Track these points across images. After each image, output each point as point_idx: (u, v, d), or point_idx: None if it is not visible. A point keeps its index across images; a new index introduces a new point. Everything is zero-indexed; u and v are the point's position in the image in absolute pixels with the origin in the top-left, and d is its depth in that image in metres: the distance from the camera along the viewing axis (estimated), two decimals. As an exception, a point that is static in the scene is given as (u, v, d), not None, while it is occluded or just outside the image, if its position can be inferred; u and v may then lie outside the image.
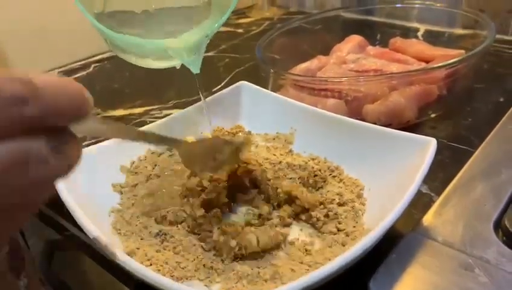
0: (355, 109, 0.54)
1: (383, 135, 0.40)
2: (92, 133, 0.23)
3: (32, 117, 0.18)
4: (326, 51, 0.71)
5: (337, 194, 0.39)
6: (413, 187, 0.32)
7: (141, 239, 0.35)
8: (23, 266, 0.42)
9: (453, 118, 0.55)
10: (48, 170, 0.20)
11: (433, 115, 0.55)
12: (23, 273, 0.40)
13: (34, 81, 0.18)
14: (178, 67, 0.41)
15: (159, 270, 0.32)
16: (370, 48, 0.71)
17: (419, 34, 0.82)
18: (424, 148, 0.36)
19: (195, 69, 0.39)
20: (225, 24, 0.65)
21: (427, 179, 0.38)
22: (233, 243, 0.33)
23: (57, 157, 0.20)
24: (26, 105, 0.18)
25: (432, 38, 0.76)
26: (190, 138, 0.37)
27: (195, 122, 0.47)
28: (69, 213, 0.44)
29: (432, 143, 0.36)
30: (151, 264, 0.32)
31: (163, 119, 0.46)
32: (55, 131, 0.20)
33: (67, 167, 0.21)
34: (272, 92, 0.50)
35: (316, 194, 0.40)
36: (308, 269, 0.32)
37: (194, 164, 0.35)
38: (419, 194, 0.42)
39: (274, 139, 0.47)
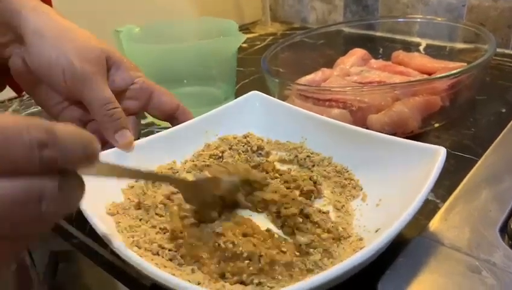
0: (359, 119, 0.54)
1: (392, 144, 0.41)
2: (98, 176, 0.26)
3: (50, 159, 0.21)
4: (329, 65, 0.72)
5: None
6: (423, 193, 0.32)
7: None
8: (31, 285, 0.43)
9: (456, 128, 0.56)
10: (57, 208, 0.22)
11: (436, 125, 0.56)
12: None
13: (54, 129, 0.22)
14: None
15: (173, 274, 0.32)
16: (373, 61, 0.72)
17: (421, 48, 0.83)
18: (434, 157, 0.36)
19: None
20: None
21: (432, 187, 0.38)
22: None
23: (66, 196, 0.23)
24: (46, 148, 0.21)
25: (434, 52, 0.77)
26: (190, 175, 0.39)
27: (204, 131, 0.48)
28: (78, 220, 0.45)
29: (441, 152, 0.36)
30: (165, 267, 0.32)
31: (172, 129, 0.46)
32: (67, 173, 0.23)
33: (73, 205, 0.24)
34: (283, 102, 0.51)
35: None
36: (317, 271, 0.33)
37: (193, 200, 0.38)
38: (425, 201, 0.42)
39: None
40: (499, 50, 0.80)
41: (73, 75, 0.41)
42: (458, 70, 0.53)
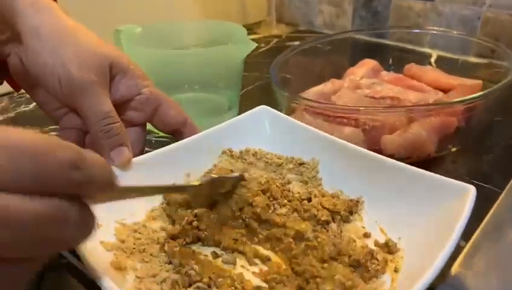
0: (372, 138, 0.51)
1: (414, 176, 0.37)
2: (110, 201, 0.26)
3: (79, 181, 0.21)
4: (338, 72, 0.69)
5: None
6: (453, 239, 0.29)
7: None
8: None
9: (474, 152, 0.53)
10: (77, 233, 0.22)
11: (453, 149, 0.52)
12: None
13: (82, 152, 0.22)
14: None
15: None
16: (384, 73, 0.69)
17: (432, 59, 0.80)
18: (462, 197, 0.33)
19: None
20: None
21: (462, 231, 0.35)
22: None
23: (85, 223, 0.23)
24: (76, 170, 0.21)
25: (445, 65, 0.74)
26: (196, 181, 0.37)
27: (209, 147, 0.44)
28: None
29: (471, 192, 0.33)
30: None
31: (174, 145, 0.43)
32: (82, 202, 0.23)
33: (87, 233, 0.23)
34: (294, 120, 0.47)
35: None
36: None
37: (202, 202, 0.38)
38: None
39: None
40: (513, 67, 0.77)
41: (70, 85, 0.37)
42: (479, 94, 0.49)
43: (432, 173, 0.36)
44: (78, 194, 0.22)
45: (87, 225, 0.23)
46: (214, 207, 0.38)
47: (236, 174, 0.40)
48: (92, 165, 0.22)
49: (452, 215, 0.32)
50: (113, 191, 0.25)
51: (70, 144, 0.21)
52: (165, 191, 0.39)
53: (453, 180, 0.35)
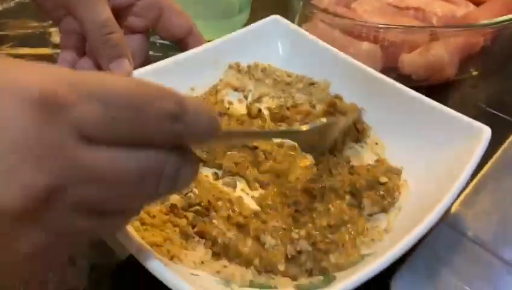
0: (391, 56, 0.48)
1: (431, 110, 0.35)
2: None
3: (178, 133, 0.20)
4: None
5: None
6: (458, 185, 0.28)
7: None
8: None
9: (496, 77, 0.50)
10: (171, 186, 0.21)
11: (474, 73, 0.49)
12: None
13: (184, 102, 0.20)
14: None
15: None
16: (413, -23, 0.63)
17: (468, -39, 0.72)
18: (476, 137, 0.31)
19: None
20: None
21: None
22: None
23: (182, 175, 0.21)
24: (176, 122, 0.20)
25: (482, -31, 0.67)
26: (305, 126, 0.33)
27: (215, 60, 0.42)
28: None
29: (484, 133, 0.32)
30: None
31: (179, 56, 0.40)
32: (183, 150, 0.21)
33: (185, 186, 0.22)
34: (308, 34, 0.43)
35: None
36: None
37: (311, 149, 0.34)
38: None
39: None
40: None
41: None
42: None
43: (449, 109, 0.35)
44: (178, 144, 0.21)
45: (185, 175, 0.21)
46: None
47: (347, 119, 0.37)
48: (195, 116, 0.20)
49: (463, 155, 0.31)
50: (216, 139, 0.23)
51: (171, 93, 0.20)
52: (267, 136, 0.35)
53: (469, 118, 0.33)
